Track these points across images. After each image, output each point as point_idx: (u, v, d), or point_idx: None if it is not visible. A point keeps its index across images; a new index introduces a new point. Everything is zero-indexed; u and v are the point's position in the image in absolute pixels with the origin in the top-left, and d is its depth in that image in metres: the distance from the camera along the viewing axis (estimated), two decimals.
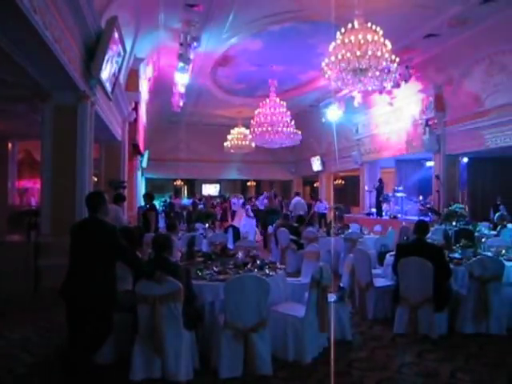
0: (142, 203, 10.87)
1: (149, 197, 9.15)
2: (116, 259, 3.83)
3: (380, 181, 15.19)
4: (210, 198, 20.92)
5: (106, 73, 7.36)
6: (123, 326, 4.00)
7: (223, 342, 3.90)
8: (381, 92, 12.01)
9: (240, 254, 5.51)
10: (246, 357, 3.92)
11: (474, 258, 5.40)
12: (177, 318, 3.75)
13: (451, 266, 5.42)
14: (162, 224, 11.16)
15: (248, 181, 27.10)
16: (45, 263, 6.71)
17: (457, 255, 5.93)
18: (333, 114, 15.02)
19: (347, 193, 21.51)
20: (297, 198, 15.46)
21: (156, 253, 4.12)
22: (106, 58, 7.04)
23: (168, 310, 3.73)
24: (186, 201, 19.88)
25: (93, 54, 6.89)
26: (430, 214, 12.29)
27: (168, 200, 19.52)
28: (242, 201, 17.16)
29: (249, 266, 5.04)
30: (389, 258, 6.29)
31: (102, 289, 3.70)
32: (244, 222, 13.56)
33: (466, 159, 12.94)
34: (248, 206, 15.18)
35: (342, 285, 5.63)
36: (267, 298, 3.99)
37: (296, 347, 4.28)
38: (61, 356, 3.92)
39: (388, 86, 10.12)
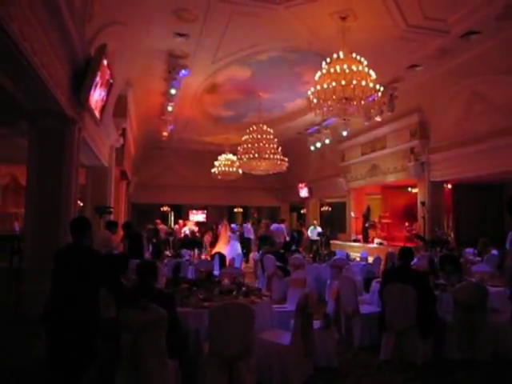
0: None
1: (127, 226, 9.01)
2: (99, 285, 3.78)
3: (367, 207, 15.33)
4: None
5: (94, 99, 7.42)
6: (106, 354, 3.93)
7: (208, 370, 3.85)
8: (366, 119, 12.21)
9: (226, 281, 5.49)
10: None
11: (459, 285, 5.44)
12: (161, 346, 3.69)
13: (436, 292, 5.46)
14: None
15: (235, 207, 27.09)
16: (27, 289, 6.59)
17: (442, 281, 5.97)
18: (319, 141, 15.22)
19: (334, 219, 21.59)
20: (278, 225, 15.52)
21: (140, 279, 4.08)
22: (95, 84, 7.11)
23: (152, 338, 3.67)
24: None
25: (81, 80, 6.94)
26: (415, 240, 12.39)
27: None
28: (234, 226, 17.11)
29: (234, 293, 5.01)
30: (375, 284, 6.31)
31: (84, 316, 3.64)
32: (230, 247, 13.40)
33: (449, 186, 13.13)
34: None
35: (327, 312, 5.62)
36: (252, 326, 3.96)
37: (281, 375, 4.23)
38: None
39: (373, 114, 10.33)
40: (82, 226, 3.87)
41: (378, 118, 11.51)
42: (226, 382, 3.85)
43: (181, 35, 9.11)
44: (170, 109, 12.29)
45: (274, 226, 15.40)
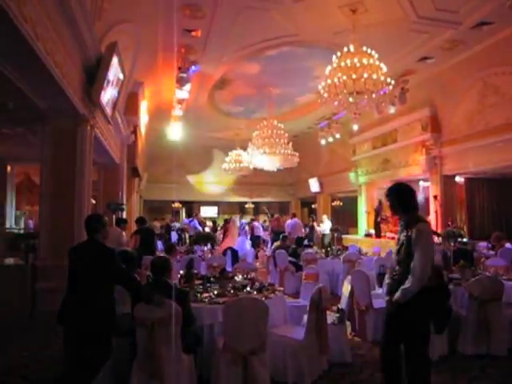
0: None
1: (140, 221, 9.13)
2: (114, 282, 3.82)
3: (379, 202, 15.24)
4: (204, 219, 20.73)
5: (105, 97, 7.46)
6: (121, 350, 3.97)
7: (222, 365, 3.87)
8: (379, 113, 12.13)
9: (239, 277, 5.51)
10: (245, 380, 3.87)
11: (473, 279, 5.40)
12: (175, 341, 3.72)
13: (450, 286, 5.41)
14: (160, 246, 11.13)
15: (246, 203, 27.11)
16: (42, 286, 6.68)
17: (456, 275, 5.93)
18: (330, 135, 15.15)
19: (345, 214, 21.49)
20: (294, 220, 15.47)
21: (155, 276, 4.11)
22: (106, 82, 7.15)
23: (167, 334, 3.70)
24: (185, 221, 19.63)
25: (93, 78, 6.99)
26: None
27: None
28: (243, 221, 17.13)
29: (247, 288, 5.02)
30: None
31: (100, 312, 3.68)
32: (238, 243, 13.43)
33: (462, 179, 13.01)
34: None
35: (341, 306, 5.61)
36: (266, 321, 3.97)
37: (295, 370, 4.24)
38: (59, 382, 3.88)
39: (384, 108, 10.28)
40: (95, 223, 3.91)
41: (392, 111, 11.46)
42: (240, 378, 3.86)
43: (190, 31, 9.12)
44: (180, 104, 12.30)
45: (292, 222, 15.32)
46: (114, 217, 9.84)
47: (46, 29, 4.95)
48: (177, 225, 17.78)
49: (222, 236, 14.97)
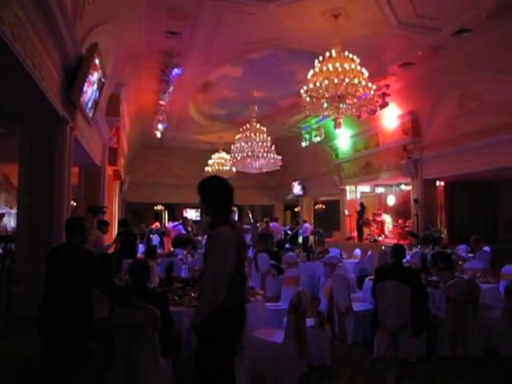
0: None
1: (123, 223, 9.08)
2: (92, 286, 3.78)
3: (361, 204, 15.38)
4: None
5: (86, 98, 7.38)
6: (99, 354, 3.92)
7: None
8: (359, 117, 12.24)
9: None
10: None
11: (451, 281, 5.47)
12: (154, 345, 3.69)
13: (429, 289, 5.49)
14: (141, 250, 11.03)
15: None
16: (19, 290, 6.55)
17: (434, 278, 6.01)
18: (312, 138, 15.28)
19: (328, 217, 21.63)
20: (275, 223, 15.54)
21: (133, 279, 4.08)
22: (86, 83, 7.07)
23: (145, 338, 3.67)
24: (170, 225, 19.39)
25: (73, 79, 6.90)
26: (409, 237, 12.46)
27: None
28: None
29: None
30: (367, 281, 6.33)
31: (77, 316, 3.63)
32: None
33: (442, 183, 13.20)
34: None
35: (321, 309, 5.64)
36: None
37: (274, 373, 4.23)
38: None
39: (365, 112, 10.39)
40: (75, 226, 3.87)
41: (371, 116, 11.59)
42: None
43: (173, 34, 9.09)
44: (162, 107, 12.25)
45: (274, 225, 15.40)
46: (95, 220, 9.73)
47: (25, 30, 4.87)
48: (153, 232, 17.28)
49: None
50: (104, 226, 8.01)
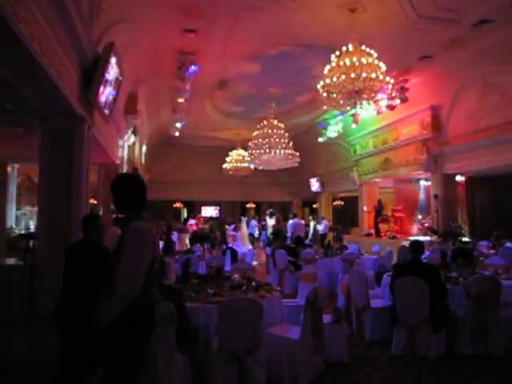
0: None
1: None
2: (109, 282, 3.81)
3: (379, 201, 15.22)
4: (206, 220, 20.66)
5: (103, 97, 7.46)
6: None
7: (217, 365, 3.86)
8: (377, 112, 12.11)
9: (236, 276, 5.50)
10: (240, 380, 3.85)
11: (471, 278, 5.37)
12: (170, 341, 3.71)
13: (448, 285, 5.40)
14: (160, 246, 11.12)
15: (247, 202, 27.11)
16: (40, 287, 6.67)
17: (454, 274, 5.90)
18: (330, 134, 15.19)
19: (346, 214, 21.50)
20: (295, 220, 15.46)
21: None
22: (104, 82, 7.14)
23: (161, 333, 3.69)
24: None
25: (90, 78, 6.99)
26: (428, 233, 12.29)
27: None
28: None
29: (244, 287, 5.01)
30: (386, 278, 6.26)
31: (95, 312, 3.67)
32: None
33: (463, 178, 12.97)
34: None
35: (338, 306, 5.60)
36: (261, 321, 3.96)
37: (291, 370, 4.23)
38: (54, 381, 3.88)
39: (383, 107, 10.26)
40: (90, 224, 3.91)
41: (390, 110, 11.44)
42: (235, 377, 3.85)
43: (189, 31, 9.11)
44: (180, 105, 12.32)
45: (292, 222, 15.31)
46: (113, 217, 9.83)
47: (42, 29, 4.94)
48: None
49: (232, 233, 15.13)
50: (120, 222, 8.03)
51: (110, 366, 2.79)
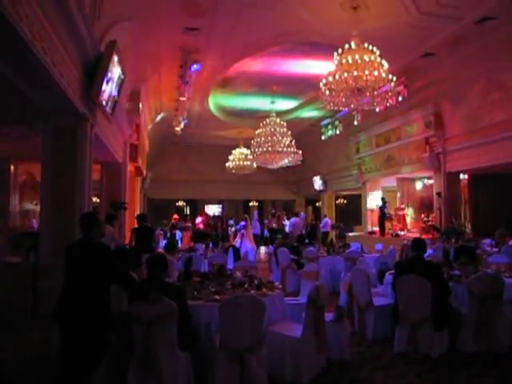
0: None
1: (141, 218, 9.02)
2: (110, 280, 3.82)
3: (383, 199, 15.20)
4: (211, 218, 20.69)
5: (105, 95, 7.46)
6: (118, 348, 3.96)
7: (219, 362, 3.86)
8: (380, 110, 12.07)
9: (238, 274, 5.50)
10: (242, 378, 3.86)
11: (474, 276, 5.36)
12: (172, 338, 3.72)
13: (451, 283, 5.39)
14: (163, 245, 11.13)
15: (250, 201, 27.12)
16: (43, 284, 6.68)
17: (457, 272, 5.89)
18: (333, 132, 15.17)
19: (349, 212, 21.47)
20: (295, 218, 15.48)
21: (150, 273, 4.10)
22: (106, 80, 7.14)
23: (163, 331, 3.70)
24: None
25: (92, 77, 6.98)
26: (431, 231, 12.27)
27: None
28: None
29: (246, 285, 5.01)
30: (388, 276, 6.25)
31: (96, 310, 3.68)
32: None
33: (466, 176, 12.93)
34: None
35: (340, 304, 5.59)
36: (263, 319, 3.96)
37: (293, 368, 4.23)
38: (56, 379, 3.89)
39: (386, 104, 10.21)
40: (89, 221, 3.91)
41: (393, 108, 11.39)
42: (237, 375, 3.86)
43: (191, 29, 9.10)
44: (182, 104, 12.30)
45: (292, 220, 15.33)
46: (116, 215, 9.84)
47: (43, 28, 4.93)
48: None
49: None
50: (112, 219, 7.98)
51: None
